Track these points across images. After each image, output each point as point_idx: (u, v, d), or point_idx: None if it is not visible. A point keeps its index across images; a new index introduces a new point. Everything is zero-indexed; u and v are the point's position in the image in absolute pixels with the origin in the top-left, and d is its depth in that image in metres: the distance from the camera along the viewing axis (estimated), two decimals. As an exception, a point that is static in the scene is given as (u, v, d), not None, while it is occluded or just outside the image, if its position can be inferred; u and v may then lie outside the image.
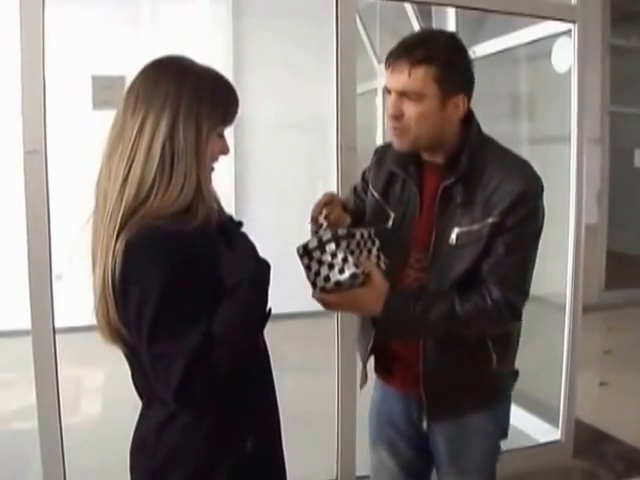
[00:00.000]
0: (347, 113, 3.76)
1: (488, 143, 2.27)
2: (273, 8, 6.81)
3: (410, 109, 2.12)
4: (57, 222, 3.30)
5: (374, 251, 2.08)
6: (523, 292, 2.18)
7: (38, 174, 3.19)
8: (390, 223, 2.32)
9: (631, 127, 9.89)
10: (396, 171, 2.34)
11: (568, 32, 4.36)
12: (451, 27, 5.20)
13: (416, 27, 6.13)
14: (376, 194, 2.42)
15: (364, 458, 3.79)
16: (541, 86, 5.35)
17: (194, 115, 1.69)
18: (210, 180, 1.79)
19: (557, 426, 4.56)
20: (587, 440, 4.75)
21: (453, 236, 2.17)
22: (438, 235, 2.20)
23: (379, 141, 7.46)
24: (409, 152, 2.25)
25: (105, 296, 1.64)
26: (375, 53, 7.61)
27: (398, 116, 2.14)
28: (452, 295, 2.13)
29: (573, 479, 4.37)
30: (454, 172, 2.17)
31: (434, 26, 5.62)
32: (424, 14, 6.09)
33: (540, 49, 4.91)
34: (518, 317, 2.22)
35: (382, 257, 2.10)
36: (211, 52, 6.71)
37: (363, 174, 2.61)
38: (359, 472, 3.96)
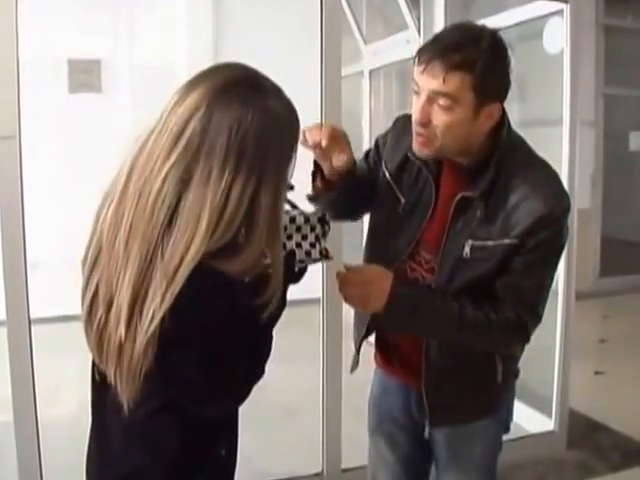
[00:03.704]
0: (332, 96, 3.68)
1: (517, 149, 2.11)
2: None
3: (439, 117, 1.94)
4: (32, 210, 3.26)
5: (304, 245, 1.83)
6: (537, 316, 2.08)
7: (12, 160, 3.13)
8: (400, 209, 2.20)
9: (626, 110, 9.83)
10: (413, 159, 2.17)
11: (560, 12, 4.29)
12: (440, 6, 5.14)
13: (403, 7, 6.05)
14: (387, 174, 2.27)
15: (350, 451, 3.76)
16: (532, 68, 5.28)
17: (277, 174, 1.52)
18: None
19: (551, 416, 4.53)
20: (581, 430, 4.73)
21: (467, 249, 2.04)
22: (449, 241, 2.08)
23: (365, 125, 7.43)
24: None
25: (150, 347, 1.46)
26: (361, 34, 7.50)
27: (425, 123, 1.96)
28: (464, 298, 2.03)
29: (567, 470, 4.32)
30: (478, 184, 2.02)
31: (421, 5, 5.56)
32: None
33: (531, 30, 4.85)
34: (527, 340, 2.13)
35: (318, 246, 1.85)
36: (190, 34, 6.70)
37: (376, 142, 2.43)
38: (345, 465, 3.94)
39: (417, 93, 1.98)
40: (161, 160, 1.48)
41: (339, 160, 2.13)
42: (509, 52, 2.00)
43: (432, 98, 1.93)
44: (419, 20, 5.76)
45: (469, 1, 4.70)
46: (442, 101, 1.92)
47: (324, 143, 2.08)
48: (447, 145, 2.00)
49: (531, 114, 5.25)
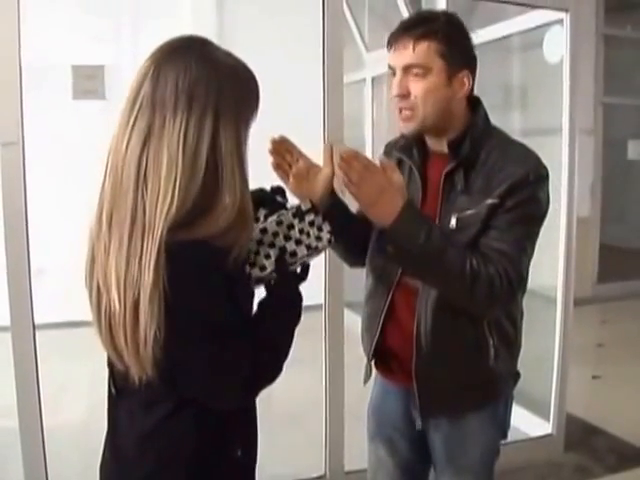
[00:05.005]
0: (334, 104, 3.70)
1: (494, 132, 2.23)
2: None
3: (416, 86, 2.08)
4: (36, 216, 3.26)
5: (289, 247, 1.78)
6: (519, 273, 2.08)
7: (15, 166, 3.13)
8: None
9: (625, 118, 9.85)
10: (402, 157, 2.31)
11: (560, 21, 4.32)
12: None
13: (405, 15, 6.08)
14: None
15: (353, 454, 3.77)
16: (533, 76, 5.31)
17: (233, 117, 1.56)
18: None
19: (548, 420, 4.54)
20: (579, 434, 4.75)
21: (453, 221, 2.11)
22: (441, 222, 2.15)
23: (368, 133, 7.45)
24: (416, 134, 2.20)
25: (158, 311, 1.49)
26: (364, 42, 7.53)
27: (405, 94, 2.10)
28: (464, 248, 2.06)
29: (564, 473, 4.33)
30: (455, 158, 2.14)
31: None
32: (414, 2, 6.05)
33: (532, 38, 4.87)
34: (513, 297, 2.14)
35: (306, 239, 1.79)
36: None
37: None
38: (348, 467, 3.95)
39: (393, 74, 2.14)
40: (123, 130, 1.54)
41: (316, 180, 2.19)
42: (466, 28, 2.16)
43: (406, 71, 2.10)
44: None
45: (470, 10, 4.71)
46: (416, 70, 2.08)
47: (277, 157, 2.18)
48: (428, 113, 2.11)
49: (531, 122, 5.27)
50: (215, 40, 1.65)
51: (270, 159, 2.18)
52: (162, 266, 1.46)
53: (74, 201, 3.47)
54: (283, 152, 2.18)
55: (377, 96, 7.55)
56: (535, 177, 2.08)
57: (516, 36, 4.93)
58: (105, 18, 6.84)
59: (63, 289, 3.75)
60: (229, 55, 1.64)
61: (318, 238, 1.78)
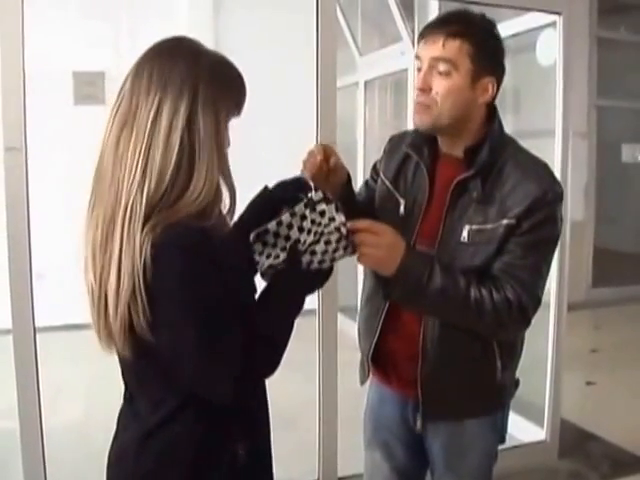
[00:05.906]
0: (327, 107, 3.70)
1: (508, 141, 2.22)
2: (254, 3, 6.81)
3: (439, 83, 2.07)
4: (38, 220, 3.27)
5: (302, 238, 1.81)
6: (535, 297, 2.09)
7: (18, 171, 3.15)
8: (401, 210, 2.26)
9: (618, 121, 9.85)
10: (410, 153, 2.28)
11: (553, 24, 4.33)
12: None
13: (398, 19, 6.10)
14: (387, 181, 2.35)
15: (346, 459, 3.76)
16: (526, 79, 5.31)
17: (212, 101, 1.59)
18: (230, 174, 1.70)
19: (542, 426, 4.53)
20: (573, 440, 4.74)
21: (465, 233, 2.09)
22: (446, 229, 2.14)
23: (360, 137, 7.46)
24: (428, 131, 2.19)
25: (134, 298, 1.52)
26: (356, 45, 7.55)
27: (425, 89, 2.09)
28: (469, 276, 2.05)
29: (559, 479, 4.32)
30: (473, 165, 2.11)
31: (416, 18, 5.60)
32: (406, 6, 6.06)
33: (525, 41, 4.87)
34: (527, 322, 2.12)
35: (316, 228, 1.81)
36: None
37: (374, 165, 2.53)
38: (341, 473, 3.94)
39: (419, 69, 2.12)
40: (106, 125, 1.62)
41: (336, 175, 2.20)
42: (500, 36, 2.15)
43: (433, 65, 2.08)
44: (413, 32, 5.82)
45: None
46: (442, 66, 2.06)
47: (324, 162, 2.15)
48: (445, 111, 2.09)
49: (524, 125, 5.27)
50: (211, 44, 1.67)
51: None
52: (143, 248, 1.49)
53: (75, 206, 3.48)
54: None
55: (369, 100, 7.57)
56: (552, 196, 2.06)
57: (509, 39, 4.92)
58: (104, 24, 6.95)
59: (64, 292, 3.76)
60: (216, 52, 1.68)
61: (327, 227, 1.80)
